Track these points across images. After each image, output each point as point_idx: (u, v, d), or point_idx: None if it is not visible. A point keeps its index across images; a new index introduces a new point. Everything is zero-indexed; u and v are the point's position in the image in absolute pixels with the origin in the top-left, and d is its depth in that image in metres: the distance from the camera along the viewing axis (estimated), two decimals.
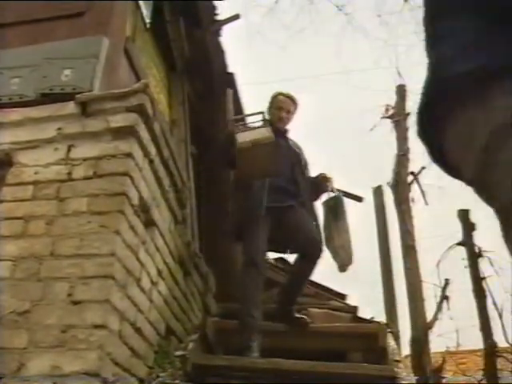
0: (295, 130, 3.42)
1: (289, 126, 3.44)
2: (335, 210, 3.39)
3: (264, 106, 3.41)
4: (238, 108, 4.62)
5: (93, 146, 2.33)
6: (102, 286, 2.02)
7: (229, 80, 4.74)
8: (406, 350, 6.04)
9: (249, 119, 3.24)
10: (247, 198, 3.12)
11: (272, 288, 3.91)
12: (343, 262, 3.26)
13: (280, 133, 3.26)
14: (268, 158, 2.99)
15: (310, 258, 3.08)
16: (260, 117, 3.11)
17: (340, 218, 3.38)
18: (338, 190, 3.47)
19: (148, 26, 3.55)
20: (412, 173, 7.49)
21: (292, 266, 3.32)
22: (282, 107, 3.34)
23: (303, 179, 3.27)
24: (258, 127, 3.06)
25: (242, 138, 2.94)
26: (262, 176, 3.07)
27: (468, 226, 7.83)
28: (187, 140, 4.14)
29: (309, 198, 3.27)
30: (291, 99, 3.40)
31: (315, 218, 3.26)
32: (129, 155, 2.27)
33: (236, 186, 3.27)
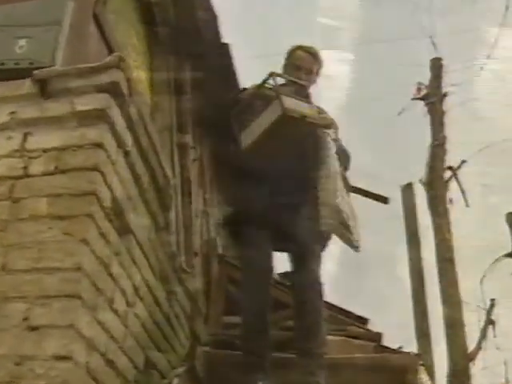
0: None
1: (311, 90, 3.18)
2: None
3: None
4: (234, 86, 4.63)
5: (54, 134, 2.33)
6: (66, 307, 2.02)
7: (223, 52, 4.74)
8: None
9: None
10: (241, 186, 3.02)
11: (278, 310, 3.91)
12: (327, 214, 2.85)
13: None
14: (297, 142, 2.88)
15: (301, 262, 2.95)
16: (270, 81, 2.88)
17: (323, 161, 3.00)
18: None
19: None
20: (450, 167, 7.48)
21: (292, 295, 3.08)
22: (300, 66, 3.15)
23: (316, 158, 3.05)
24: (304, 101, 2.89)
25: (290, 103, 2.72)
26: (276, 159, 2.90)
27: None
28: (173, 127, 4.14)
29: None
30: (314, 55, 3.21)
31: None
32: (99, 145, 2.28)
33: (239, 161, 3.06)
